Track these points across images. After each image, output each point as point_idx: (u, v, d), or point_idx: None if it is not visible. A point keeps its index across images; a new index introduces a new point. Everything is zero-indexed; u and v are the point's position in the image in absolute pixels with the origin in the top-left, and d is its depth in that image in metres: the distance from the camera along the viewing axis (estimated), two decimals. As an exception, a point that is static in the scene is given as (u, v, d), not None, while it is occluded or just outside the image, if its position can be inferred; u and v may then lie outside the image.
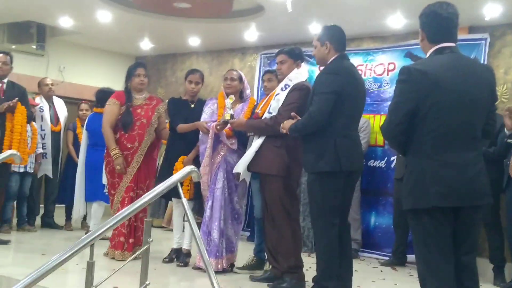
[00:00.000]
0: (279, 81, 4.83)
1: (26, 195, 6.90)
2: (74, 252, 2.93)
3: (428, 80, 2.90)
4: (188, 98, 5.48)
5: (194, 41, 8.51)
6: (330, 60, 4.16)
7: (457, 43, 6.32)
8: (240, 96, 5.20)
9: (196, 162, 5.10)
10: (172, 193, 3.80)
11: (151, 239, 3.38)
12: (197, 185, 5.06)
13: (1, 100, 5.78)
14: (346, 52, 5.00)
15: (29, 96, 6.79)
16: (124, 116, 5.30)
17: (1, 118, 5.73)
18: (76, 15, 7.40)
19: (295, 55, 4.77)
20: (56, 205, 7.51)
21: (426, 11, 3.06)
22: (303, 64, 4.78)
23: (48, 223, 7.24)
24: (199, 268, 5.01)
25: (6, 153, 4.89)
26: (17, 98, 5.78)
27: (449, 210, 2.90)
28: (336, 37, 4.18)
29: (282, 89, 4.67)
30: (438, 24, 3.02)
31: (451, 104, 2.89)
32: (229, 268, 5.13)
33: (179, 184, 3.52)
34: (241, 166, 4.73)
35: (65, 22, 7.71)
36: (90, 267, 3.00)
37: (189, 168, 3.62)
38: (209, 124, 5.01)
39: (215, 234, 4.98)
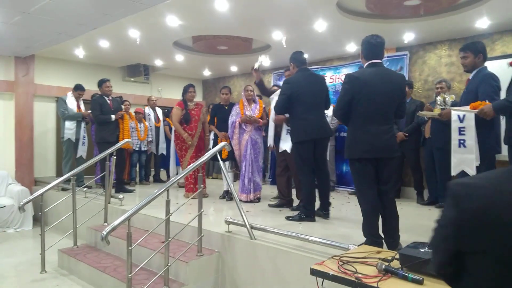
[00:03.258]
0: None
1: (143, 163, 7.11)
2: (158, 194, 3.04)
3: (359, 82, 2.91)
4: (223, 103, 5.59)
5: (234, 68, 8.55)
6: (294, 73, 4.07)
7: (390, 58, 6.23)
8: (253, 100, 5.21)
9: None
10: (215, 158, 3.81)
11: (202, 186, 3.46)
12: (231, 151, 5.13)
13: (111, 110, 5.87)
14: (322, 67, 4.92)
15: (140, 107, 7.00)
16: (185, 116, 5.40)
17: (117, 121, 5.92)
18: (164, 59, 7.67)
19: None
20: (161, 169, 7.58)
21: (364, 40, 3.05)
22: None
23: (157, 179, 7.38)
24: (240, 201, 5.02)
25: (125, 140, 5.05)
26: (124, 111, 5.95)
27: (371, 159, 2.91)
28: (297, 58, 4.08)
29: None
30: (370, 49, 3.00)
31: (372, 97, 2.91)
32: (257, 200, 5.15)
33: (217, 153, 3.59)
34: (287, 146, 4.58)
35: (158, 62, 7.99)
36: (168, 203, 3.09)
37: (223, 143, 3.74)
38: (233, 121, 5.20)
39: (246, 181, 5.10)
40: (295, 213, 4.16)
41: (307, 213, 3.99)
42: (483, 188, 0.95)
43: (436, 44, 6.05)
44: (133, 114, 6.88)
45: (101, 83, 5.91)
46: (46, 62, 7.42)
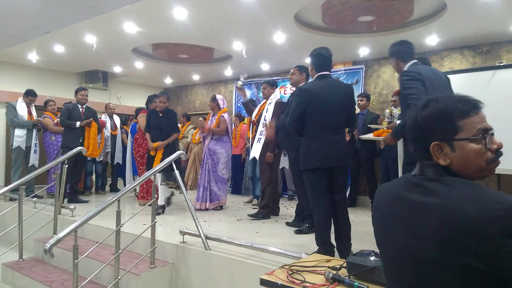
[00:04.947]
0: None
1: (99, 173, 6.87)
2: (109, 204, 2.93)
3: (310, 94, 2.96)
4: (159, 110, 5.08)
5: (196, 77, 8.46)
6: (303, 83, 3.73)
7: (347, 71, 6.39)
8: (219, 107, 5.28)
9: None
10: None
11: (156, 195, 3.35)
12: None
13: (81, 118, 5.71)
14: (282, 79, 4.96)
15: (102, 119, 6.79)
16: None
17: (82, 129, 5.68)
18: (123, 65, 7.53)
19: (273, 83, 4.74)
20: (118, 178, 7.34)
21: (315, 53, 3.08)
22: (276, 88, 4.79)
23: (113, 189, 7.11)
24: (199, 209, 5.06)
25: (77, 148, 4.75)
26: (91, 118, 5.70)
27: (325, 169, 2.96)
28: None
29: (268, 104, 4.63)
30: (323, 60, 3.05)
31: (323, 108, 2.99)
32: (219, 208, 5.21)
33: (173, 162, 3.49)
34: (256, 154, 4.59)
35: (117, 69, 7.84)
36: (119, 213, 2.98)
37: (179, 152, 3.64)
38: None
39: (201, 190, 5.17)
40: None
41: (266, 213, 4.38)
42: (381, 188, 1.22)
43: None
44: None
45: (76, 91, 5.85)
46: (-5, 65, 7.05)
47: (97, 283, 3.26)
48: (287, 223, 4.28)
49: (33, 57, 6.65)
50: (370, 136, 3.28)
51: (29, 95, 6.08)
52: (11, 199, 5.77)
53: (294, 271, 2.09)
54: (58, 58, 6.66)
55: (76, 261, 2.73)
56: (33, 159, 6.13)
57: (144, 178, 3.34)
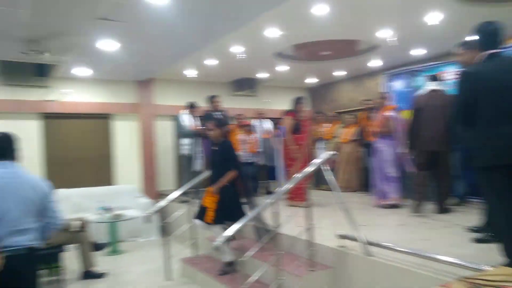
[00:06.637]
0: None
1: (254, 175, 7.26)
2: (266, 206, 3.12)
3: (478, 78, 2.61)
4: (214, 141, 4.25)
5: (340, 73, 8.42)
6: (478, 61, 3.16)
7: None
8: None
9: None
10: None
11: (309, 197, 3.42)
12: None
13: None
14: (442, 63, 4.54)
15: (246, 119, 7.29)
16: (295, 126, 5.48)
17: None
18: (268, 70, 8.00)
19: None
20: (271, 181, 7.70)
21: (479, 28, 2.67)
22: None
23: (268, 192, 7.49)
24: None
25: None
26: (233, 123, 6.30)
27: (507, 166, 2.50)
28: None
29: None
30: (489, 37, 2.67)
31: (498, 93, 2.56)
32: (398, 205, 5.19)
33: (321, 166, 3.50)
34: None
35: (264, 75, 8.32)
36: (276, 215, 3.13)
37: (331, 152, 3.62)
38: None
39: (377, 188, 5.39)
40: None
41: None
42: None
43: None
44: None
45: (211, 99, 6.44)
46: (163, 83, 8.40)
47: (260, 282, 3.48)
48: (469, 229, 3.73)
49: (191, 72, 7.62)
50: None
51: (191, 106, 6.98)
52: (182, 201, 6.70)
53: (478, 284, 1.86)
54: (210, 70, 7.48)
55: (241, 259, 2.99)
56: (198, 164, 6.98)
57: (294, 182, 3.47)
